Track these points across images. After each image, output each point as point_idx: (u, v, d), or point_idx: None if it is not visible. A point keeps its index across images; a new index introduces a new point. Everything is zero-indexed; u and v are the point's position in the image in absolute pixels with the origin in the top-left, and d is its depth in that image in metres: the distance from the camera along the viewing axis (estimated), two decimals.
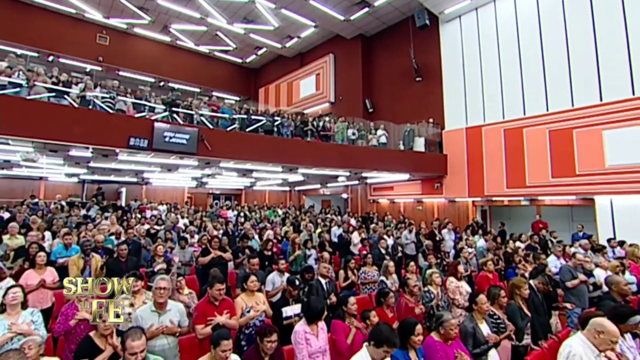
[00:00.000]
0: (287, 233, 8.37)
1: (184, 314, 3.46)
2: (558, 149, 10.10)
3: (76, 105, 7.57)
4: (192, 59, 19.79)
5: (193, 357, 3.42)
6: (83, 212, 10.55)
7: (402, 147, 12.45)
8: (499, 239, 8.57)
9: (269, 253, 6.69)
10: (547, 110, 10.54)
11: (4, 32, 14.08)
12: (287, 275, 5.13)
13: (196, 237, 7.79)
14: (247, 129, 9.71)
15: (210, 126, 9.04)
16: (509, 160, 11.27)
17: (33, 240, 5.68)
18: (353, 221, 11.73)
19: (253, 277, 3.99)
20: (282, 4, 14.32)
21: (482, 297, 3.57)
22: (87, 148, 7.61)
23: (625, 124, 8.91)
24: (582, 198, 9.82)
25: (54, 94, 7.38)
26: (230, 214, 12.59)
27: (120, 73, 17.31)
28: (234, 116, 9.79)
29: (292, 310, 4.09)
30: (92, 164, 10.11)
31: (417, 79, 14.27)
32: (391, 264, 5.32)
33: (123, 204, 14.47)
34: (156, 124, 7.96)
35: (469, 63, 12.70)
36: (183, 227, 9.21)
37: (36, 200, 12.00)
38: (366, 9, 14.30)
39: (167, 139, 7.98)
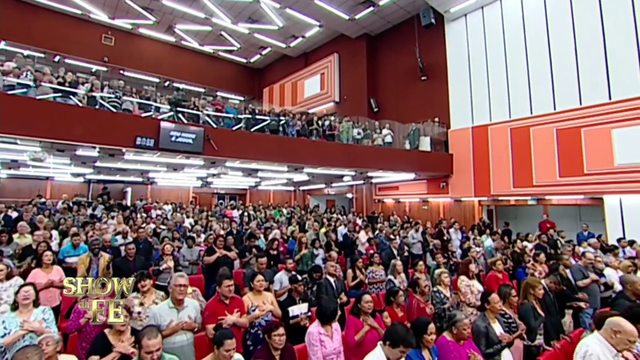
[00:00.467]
0: (294, 232, 8.34)
1: (199, 310, 3.47)
2: (566, 148, 10.01)
3: (82, 105, 7.60)
4: (197, 59, 19.84)
5: (204, 355, 3.43)
6: (89, 211, 10.60)
7: (407, 147, 12.40)
8: (506, 239, 8.51)
9: (275, 252, 6.68)
10: (555, 109, 10.44)
11: (12, 33, 14.20)
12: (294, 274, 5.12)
13: (202, 236, 7.80)
14: (253, 129, 9.71)
15: (214, 125, 9.03)
16: (516, 159, 11.18)
17: (39, 240, 5.72)
18: (359, 221, 11.68)
19: (259, 276, 3.96)
20: (287, 4, 14.31)
21: (494, 296, 3.53)
22: (94, 147, 7.63)
23: (635, 123, 8.80)
24: (590, 198, 9.73)
25: (60, 94, 7.42)
26: (235, 213, 12.60)
27: (125, 73, 17.37)
28: (240, 116, 9.79)
29: (298, 309, 4.06)
30: (98, 164, 10.15)
31: (423, 78, 14.21)
32: (399, 262, 5.29)
33: (128, 204, 14.51)
34: (162, 124, 7.97)
35: (475, 62, 12.62)
36: (189, 227, 9.22)
37: (43, 200, 12.08)
38: (371, 8, 14.25)
39: (173, 139, 7.99)
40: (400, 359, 2.56)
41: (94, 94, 7.87)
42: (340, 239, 8.81)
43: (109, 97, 8.10)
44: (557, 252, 7.96)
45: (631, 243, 7.56)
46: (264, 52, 20.21)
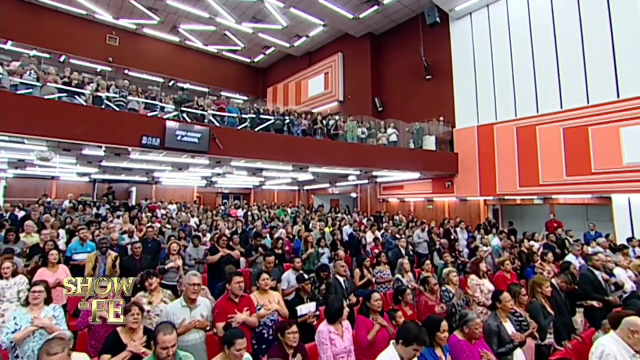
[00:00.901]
0: (300, 232, 8.33)
1: (210, 309, 3.46)
2: (573, 147, 9.93)
3: (88, 105, 7.63)
4: (201, 59, 19.88)
5: (215, 354, 3.42)
6: (95, 211, 10.63)
7: (412, 146, 12.36)
8: (512, 238, 8.44)
9: (280, 252, 6.66)
10: (562, 107, 10.36)
11: (18, 33, 14.29)
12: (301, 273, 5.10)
13: (208, 235, 7.80)
14: (258, 128, 9.70)
15: (218, 124, 9.04)
16: (522, 158, 11.11)
17: (47, 239, 5.74)
18: (364, 220, 11.65)
19: (265, 275, 3.92)
20: (291, 3, 14.30)
21: (506, 295, 3.50)
22: (101, 147, 7.66)
23: None
24: (598, 197, 9.64)
25: (65, 94, 7.45)
26: (240, 213, 12.62)
27: (130, 73, 17.44)
28: (245, 116, 9.79)
29: (307, 308, 4.04)
30: (104, 163, 10.18)
31: (428, 77, 14.15)
32: (406, 261, 5.26)
33: (133, 204, 14.56)
34: (168, 123, 7.99)
35: (481, 60, 12.55)
36: (194, 226, 9.23)
37: (49, 199, 12.14)
38: (375, 7, 14.21)
39: (179, 138, 8.00)
40: (414, 357, 2.53)
41: (100, 94, 7.89)
42: (346, 238, 8.77)
43: (115, 98, 8.13)
44: (564, 252, 7.92)
45: None
46: (268, 52, 20.21)
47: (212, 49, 19.64)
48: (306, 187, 18.95)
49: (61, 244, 6.46)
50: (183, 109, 9.04)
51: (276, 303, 3.73)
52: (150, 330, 3.11)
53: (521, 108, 11.40)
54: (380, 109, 15.78)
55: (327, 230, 9.17)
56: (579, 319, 4.61)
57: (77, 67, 15.20)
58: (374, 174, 12.62)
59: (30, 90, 7.11)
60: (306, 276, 4.42)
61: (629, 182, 8.82)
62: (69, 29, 15.95)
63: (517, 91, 11.56)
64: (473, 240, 7.62)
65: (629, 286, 5.31)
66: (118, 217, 9.30)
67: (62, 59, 15.71)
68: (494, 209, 12.80)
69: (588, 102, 9.79)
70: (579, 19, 10.15)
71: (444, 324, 2.80)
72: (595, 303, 4.63)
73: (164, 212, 11.36)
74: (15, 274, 4.20)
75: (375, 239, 7.94)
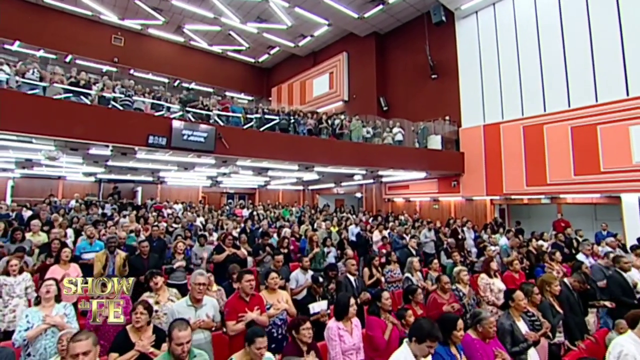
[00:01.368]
0: (306, 231, 8.31)
1: (217, 308, 3.45)
2: (581, 145, 9.84)
3: (95, 104, 7.66)
4: (205, 59, 19.92)
5: (223, 353, 3.40)
6: (100, 210, 10.65)
7: (417, 145, 12.31)
8: (520, 237, 8.37)
9: (285, 251, 6.64)
10: (569, 106, 10.27)
11: (24, 34, 14.37)
12: (310, 272, 5.08)
13: (215, 235, 7.79)
14: (263, 128, 9.70)
15: (221, 123, 9.05)
16: (529, 157, 11.03)
17: (57, 237, 5.76)
18: (370, 220, 11.60)
19: (273, 274, 3.89)
20: (296, 3, 14.29)
21: (519, 294, 3.45)
22: (107, 146, 7.69)
23: None
24: (607, 196, 9.55)
25: (71, 94, 7.48)
26: (245, 212, 12.62)
27: (135, 74, 17.49)
28: (251, 115, 9.80)
29: (319, 306, 4.04)
30: (110, 163, 10.20)
31: (433, 76, 14.09)
32: (416, 260, 5.23)
33: (139, 203, 14.60)
34: (174, 122, 7.99)
35: (487, 59, 12.48)
36: (200, 226, 9.23)
37: (55, 199, 12.20)
38: (380, 6, 14.17)
39: (185, 137, 8.01)
40: (428, 354, 2.50)
41: (105, 94, 7.91)
42: (353, 238, 8.75)
43: (120, 97, 8.15)
44: (572, 252, 7.84)
45: None
46: (272, 52, 20.22)
47: (217, 48, 19.67)
48: (311, 187, 18.93)
49: (68, 243, 6.48)
50: (188, 108, 9.06)
51: (284, 302, 3.71)
52: (160, 329, 3.11)
53: (528, 107, 11.31)
54: (385, 108, 15.73)
55: (333, 229, 9.15)
56: (591, 319, 4.55)
57: (82, 68, 15.27)
58: (380, 173, 12.57)
59: (36, 91, 7.15)
60: (321, 279, 4.40)
61: (638, 181, 8.72)
62: (75, 30, 16.04)
63: (523, 90, 11.48)
64: (481, 240, 7.55)
65: None
66: (124, 217, 9.33)
67: (67, 59, 15.78)
68: (500, 209, 12.71)
69: (596, 101, 9.70)
70: (587, 16, 10.05)
71: (460, 323, 2.76)
72: (607, 303, 4.58)
73: (170, 211, 11.38)
74: (21, 271, 4.24)
75: (383, 238, 7.89)
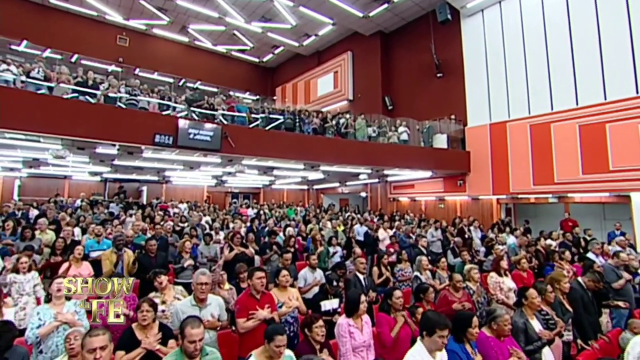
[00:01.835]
0: (312, 230, 8.28)
1: (223, 307, 3.42)
2: (589, 144, 9.75)
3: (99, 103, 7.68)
4: (210, 59, 19.95)
5: (231, 352, 3.38)
6: (106, 210, 10.69)
7: (423, 144, 12.26)
8: (529, 236, 8.31)
9: (292, 250, 6.61)
10: (577, 104, 10.19)
11: (30, 35, 14.44)
12: (319, 271, 5.07)
13: (221, 233, 7.79)
14: (269, 127, 9.69)
15: (225, 122, 9.04)
16: (536, 156, 10.95)
17: (67, 236, 5.80)
18: (375, 219, 11.56)
19: (284, 272, 3.88)
20: (300, 2, 14.27)
21: (532, 292, 3.41)
22: (114, 145, 7.71)
23: None
24: (616, 195, 9.45)
25: (76, 94, 7.51)
26: (250, 212, 12.61)
27: (140, 73, 17.54)
28: (256, 115, 9.79)
29: (330, 304, 4.03)
30: (116, 162, 10.23)
31: (438, 75, 14.02)
32: (425, 259, 5.19)
33: (144, 202, 14.64)
34: (180, 121, 8.00)
35: (493, 57, 12.40)
36: (206, 225, 9.23)
37: (61, 198, 12.27)
38: (385, 5, 14.12)
39: (191, 136, 8.01)
40: (442, 346, 2.49)
41: (112, 94, 7.92)
42: (360, 237, 8.71)
43: (127, 98, 8.17)
44: (580, 251, 7.77)
45: None
46: (276, 51, 20.21)
47: (221, 48, 19.69)
48: (315, 186, 18.91)
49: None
50: (194, 108, 9.07)
51: (295, 299, 3.69)
52: (166, 326, 3.10)
53: (535, 105, 11.24)
54: (390, 108, 15.68)
55: (339, 228, 9.12)
56: (604, 319, 4.49)
57: (87, 68, 15.35)
58: (385, 172, 12.54)
59: (42, 91, 7.18)
60: (335, 282, 4.40)
61: None
62: (80, 30, 16.11)
63: (530, 88, 11.40)
64: (490, 240, 7.49)
65: None
66: (130, 216, 9.35)
67: (73, 60, 15.85)
68: (506, 208, 12.64)
69: (605, 99, 9.61)
70: (595, 12, 9.95)
71: (475, 320, 2.73)
72: (621, 303, 4.52)
73: (176, 210, 11.41)
74: (30, 269, 4.25)
75: (391, 237, 7.86)
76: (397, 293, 3.42)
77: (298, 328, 3.56)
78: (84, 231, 7.49)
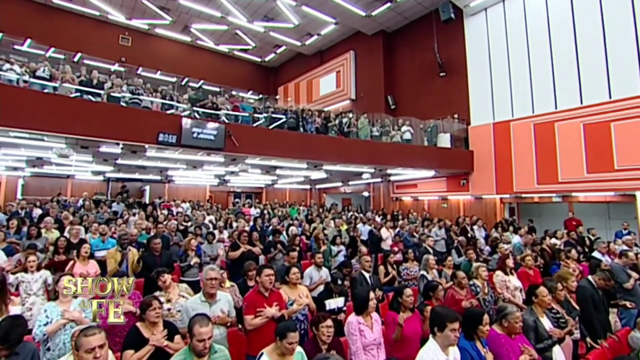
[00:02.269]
0: (316, 230, 8.26)
1: (232, 304, 3.41)
2: (594, 143, 9.71)
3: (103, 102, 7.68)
4: (212, 59, 19.96)
5: (239, 349, 3.36)
6: (111, 208, 10.69)
7: (426, 144, 12.23)
8: (534, 235, 8.27)
9: (297, 249, 6.59)
10: (582, 103, 10.14)
11: (33, 35, 14.45)
12: (324, 269, 5.05)
13: (225, 232, 7.78)
14: (272, 126, 9.67)
15: (227, 121, 9.03)
16: (540, 155, 10.91)
17: (76, 234, 5.81)
18: (378, 218, 11.54)
19: (295, 269, 3.90)
20: (303, 1, 14.26)
21: (543, 289, 3.38)
22: (118, 144, 7.70)
23: None
24: (621, 194, 9.40)
25: (79, 94, 7.51)
26: (253, 211, 12.58)
27: (142, 73, 17.53)
28: (260, 115, 9.78)
29: (335, 302, 4.01)
30: (119, 161, 10.22)
31: (441, 74, 13.99)
32: (432, 257, 5.16)
33: (147, 202, 14.63)
34: (184, 120, 7.99)
35: (496, 56, 12.37)
36: (209, 224, 9.21)
37: (64, 198, 12.28)
38: (388, 4, 14.11)
39: (195, 135, 7.99)
40: (454, 340, 2.48)
41: (116, 94, 7.92)
42: (364, 236, 8.69)
43: (130, 97, 8.17)
44: (585, 250, 7.73)
45: None
46: (279, 51, 20.20)
47: (223, 48, 19.70)
48: (318, 186, 18.88)
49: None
50: (197, 108, 9.07)
51: (305, 297, 3.67)
52: (170, 323, 3.09)
53: (538, 104, 11.20)
54: (392, 107, 15.65)
55: (342, 228, 9.09)
56: (612, 318, 4.47)
57: (90, 67, 15.34)
58: (388, 171, 12.51)
59: (46, 90, 7.18)
60: (340, 281, 4.38)
61: None
62: (83, 30, 16.14)
63: (534, 87, 11.36)
64: (495, 239, 7.46)
65: None
66: (134, 215, 9.34)
67: (75, 59, 15.86)
68: (510, 207, 12.59)
69: (610, 97, 9.57)
70: (600, 10, 9.91)
71: (486, 317, 2.71)
72: (628, 303, 4.49)
73: (180, 209, 11.40)
74: (39, 267, 4.24)
75: (395, 236, 7.83)
76: (408, 291, 3.39)
77: (308, 326, 3.54)
78: (86, 230, 7.49)
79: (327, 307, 3.91)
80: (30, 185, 13.62)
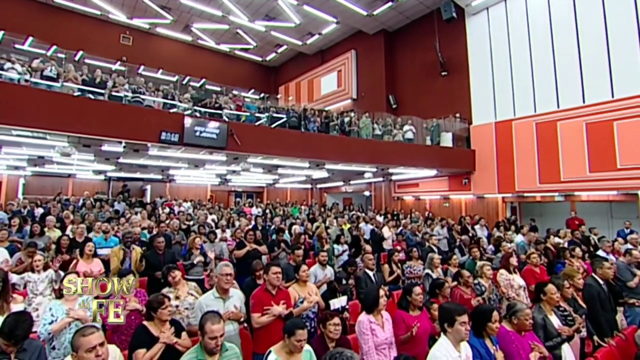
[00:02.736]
0: (318, 229, 8.24)
1: (243, 300, 3.41)
2: (596, 142, 9.69)
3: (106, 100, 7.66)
4: (213, 58, 19.94)
5: (246, 348, 3.34)
6: (113, 207, 10.67)
7: (429, 143, 12.21)
8: (537, 233, 8.25)
9: (303, 247, 6.57)
10: (584, 102, 10.13)
11: (35, 34, 14.42)
12: (329, 268, 5.03)
13: (227, 231, 7.76)
14: (274, 125, 9.65)
15: (228, 119, 9.01)
16: (542, 154, 10.89)
17: (81, 233, 5.79)
18: (380, 218, 11.52)
19: (304, 267, 3.92)
20: (304, 0, 14.23)
21: (551, 287, 3.36)
22: (120, 143, 7.67)
23: None
24: (623, 193, 9.39)
25: (80, 93, 7.49)
26: (254, 210, 12.56)
27: (143, 72, 17.48)
28: (261, 114, 9.76)
29: (338, 302, 3.99)
30: (121, 160, 10.20)
31: (443, 73, 13.98)
32: (437, 256, 5.15)
33: (148, 201, 14.61)
34: (187, 118, 7.98)
35: (498, 55, 12.35)
36: (212, 223, 9.19)
37: (65, 197, 12.25)
38: (390, 4, 14.09)
39: (197, 134, 7.98)
40: (466, 334, 2.48)
41: (118, 94, 7.90)
42: (366, 235, 8.67)
43: (132, 96, 8.15)
44: (589, 249, 7.70)
45: None
46: (280, 50, 20.18)
47: (224, 47, 19.68)
48: (319, 186, 18.87)
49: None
50: (199, 107, 9.05)
51: (314, 294, 3.67)
52: (176, 321, 3.08)
53: (541, 103, 11.18)
54: (394, 106, 15.63)
55: (344, 227, 9.08)
56: (618, 317, 4.45)
57: (91, 66, 15.32)
58: (390, 170, 12.50)
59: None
60: (344, 281, 4.36)
61: None
62: (84, 29, 16.11)
63: (536, 86, 11.35)
64: (498, 237, 7.44)
65: None
66: (136, 214, 9.32)
67: (77, 58, 15.82)
68: (512, 206, 12.57)
69: (612, 96, 9.55)
70: (602, 8, 9.89)
71: (495, 314, 2.69)
72: (635, 301, 4.47)
73: (182, 209, 11.38)
74: (46, 267, 4.21)
75: (397, 235, 7.82)
76: (417, 289, 3.36)
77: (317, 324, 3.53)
78: (89, 229, 7.47)
79: (332, 307, 3.89)
80: (31, 184, 13.58)
